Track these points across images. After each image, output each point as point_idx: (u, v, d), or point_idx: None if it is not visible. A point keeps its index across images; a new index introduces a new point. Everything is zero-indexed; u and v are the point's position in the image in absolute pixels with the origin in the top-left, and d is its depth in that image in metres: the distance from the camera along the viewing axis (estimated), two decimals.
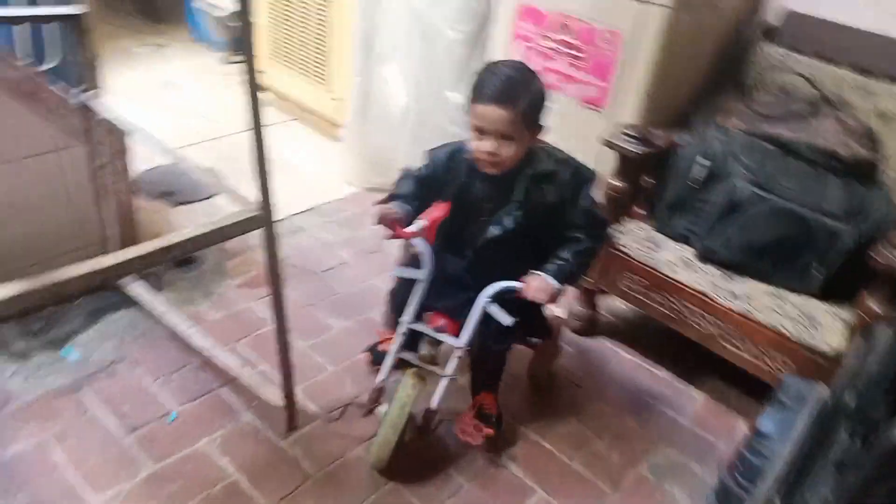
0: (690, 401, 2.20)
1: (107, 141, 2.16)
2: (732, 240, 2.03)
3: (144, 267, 1.50)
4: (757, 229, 1.99)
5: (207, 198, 2.86)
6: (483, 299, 1.66)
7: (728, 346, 2.05)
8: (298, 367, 1.89)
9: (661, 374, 2.30)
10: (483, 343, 1.74)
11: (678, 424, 2.10)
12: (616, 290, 2.26)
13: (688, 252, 2.13)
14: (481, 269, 1.73)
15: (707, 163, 2.07)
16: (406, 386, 1.71)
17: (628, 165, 2.15)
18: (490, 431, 1.83)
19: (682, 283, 2.08)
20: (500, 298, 1.67)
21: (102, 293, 2.26)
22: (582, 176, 1.70)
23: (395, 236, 1.64)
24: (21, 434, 1.75)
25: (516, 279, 1.67)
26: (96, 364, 2.00)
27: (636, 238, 2.20)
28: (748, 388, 2.19)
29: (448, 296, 1.75)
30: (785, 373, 1.89)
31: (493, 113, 1.54)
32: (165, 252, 1.48)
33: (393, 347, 1.75)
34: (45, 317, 2.13)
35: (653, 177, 2.25)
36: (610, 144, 2.13)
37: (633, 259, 2.17)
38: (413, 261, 1.77)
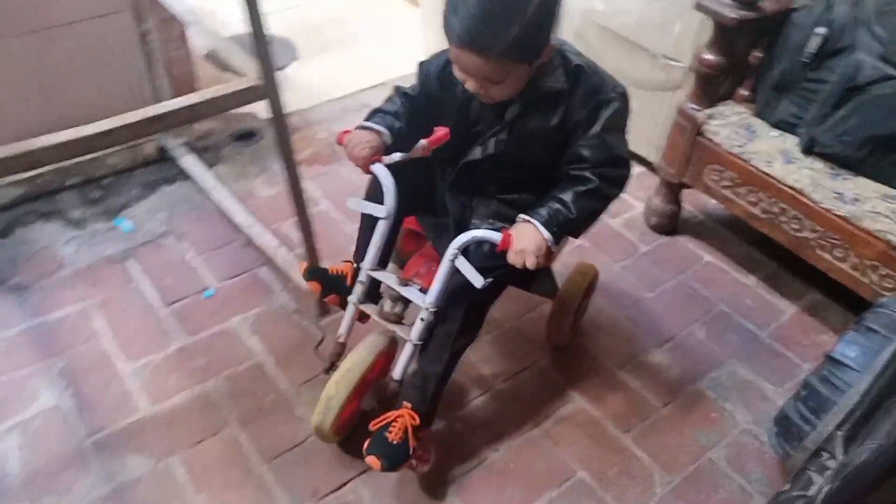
0: (776, 315, 1.92)
1: (156, 8, 2.07)
2: (847, 128, 1.66)
3: (168, 126, 1.43)
4: (880, 117, 1.61)
5: (280, 68, 2.76)
6: (450, 251, 1.28)
7: (826, 255, 1.73)
8: (339, 250, 1.80)
9: (748, 281, 2.01)
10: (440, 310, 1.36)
11: (757, 340, 1.85)
12: (701, 184, 1.96)
13: (790, 142, 1.78)
14: (459, 204, 1.43)
15: (824, 31, 1.67)
16: (364, 345, 1.42)
17: (725, 35, 1.79)
18: (373, 461, 1.33)
19: (778, 180, 1.76)
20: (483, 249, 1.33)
21: (160, 165, 2.26)
22: (602, 95, 1.29)
23: (364, 167, 1.33)
24: (68, 299, 1.80)
25: (505, 223, 1.33)
26: (146, 235, 2.01)
27: (729, 124, 1.86)
28: (850, 305, 1.88)
29: (444, 234, 1.44)
30: (888, 295, 1.57)
31: (467, 59, 1.18)
32: (150, 123, 1.37)
33: (352, 297, 1.43)
34: (104, 186, 2.16)
35: (762, 51, 1.87)
36: (702, 8, 1.77)
37: (723, 149, 1.85)
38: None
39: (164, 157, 2.28)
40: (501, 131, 1.33)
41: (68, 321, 1.75)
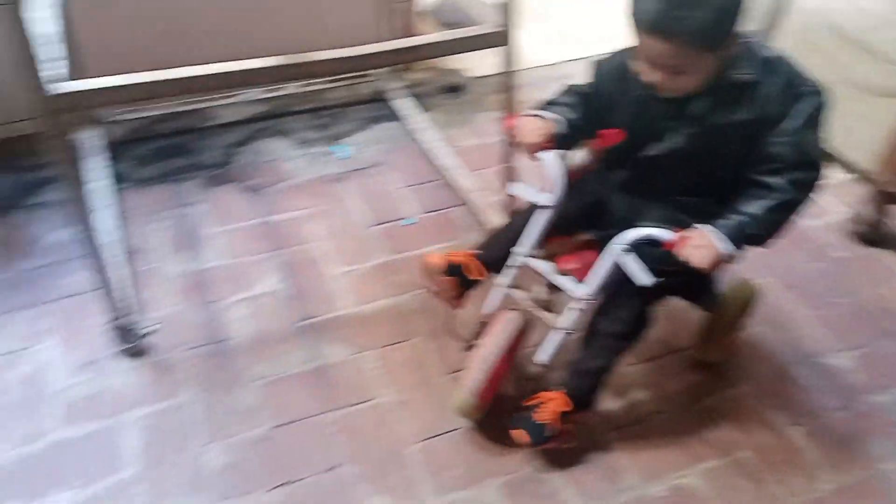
0: None
1: None
2: None
3: (388, 63, 1.60)
4: None
5: None
6: (617, 246, 1.26)
7: None
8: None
9: None
10: (604, 305, 1.38)
11: None
12: None
13: None
14: (630, 206, 1.37)
15: None
16: (503, 324, 1.44)
17: None
18: (519, 434, 1.40)
19: None
20: (651, 250, 1.26)
21: (377, 105, 2.47)
22: (799, 90, 1.20)
23: (532, 153, 1.32)
24: (290, 205, 2.06)
25: (677, 224, 1.26)
26: (360, 162, 2.23)
27: None
28: None
29: (603, 225, 1.39)
30: None
31: (654, 46, 1.15)
32: (400, 53, 1.54)
33: (502, 280, 1.45)
34: (329, 116, 2.41)
35: None
36: None
37: None
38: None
39: (378, 98, 2.50)
40: (683, 126, 1.27)
41: (291, 223, 2.00)
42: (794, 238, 2.02)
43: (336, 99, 2.48)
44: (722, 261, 1.20)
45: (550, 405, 1.40)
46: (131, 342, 1.62)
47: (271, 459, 1.46)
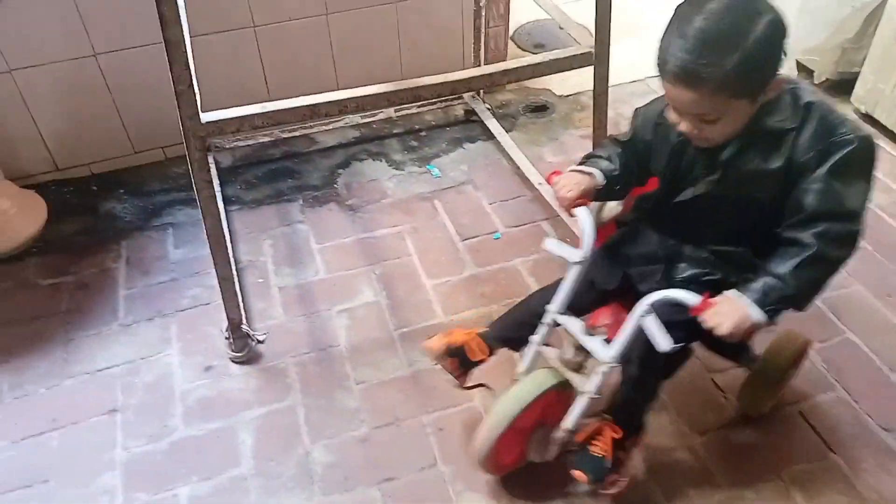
0: None
1: None
2: None
3: (487, 85, 1.69)
4: None
5: None
6: (640, 308, 1.19)
7: None
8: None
9: None
10: (632, 364, 1.32)
11: None
12: None
13: None
14: (669, 248, 1.33)
15: None
16: (531, 379, 1.36)
17: None
18: (579, 475, 1.35)
19: None
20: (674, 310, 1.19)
21: (465, 126, 2.58)
22: (836, 136, 1.12)
23: (568, 208, 1.31)
24: (387, 222, 2.18)
25: (716, 274, 1.25)
26: (450, 181, 2.33)
27: None
28: None
29: (651, 280, 1.34)
30: None
31: (680, 94, 1.10)
32: (504, 75, 1.63)
33: (535, 338, 1.38)
34: (420, 138, 2.53)
35: None
36: None
37: None
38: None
39: (469, 119, 2.60)
40: (715, 171, 1.21)
41: (386, 239, 2.12)
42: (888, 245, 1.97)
43: (428, 121, 2.60)
44: (752, 329, 1.13)
45: (603, 436, 1.35)
46: (241, 350, 1.76)
47: (371, 458, 1.55)
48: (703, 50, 1.04)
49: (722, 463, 1.52)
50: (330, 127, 2.54)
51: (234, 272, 1.94)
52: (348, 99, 1.50)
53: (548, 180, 1.34)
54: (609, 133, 1.64)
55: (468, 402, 1.65)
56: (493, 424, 1.33)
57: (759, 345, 1.50)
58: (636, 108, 1.37)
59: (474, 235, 2.12)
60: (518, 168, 2.32)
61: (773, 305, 1.12)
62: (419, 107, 2.61)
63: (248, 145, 2.47)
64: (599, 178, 1.32)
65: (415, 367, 1.74)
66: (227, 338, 1.76)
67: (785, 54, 1.09)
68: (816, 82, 2.60)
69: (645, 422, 1.43)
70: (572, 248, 1.30)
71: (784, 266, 1.13)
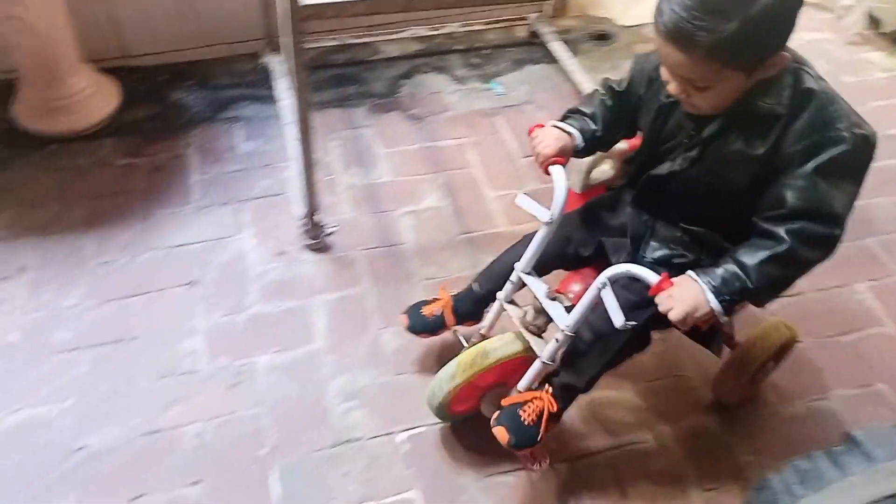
0: None
1: None
2: None
3: None
4: None
5: None
6: (600, 279, 1.11)
7: None
8: None
9: None
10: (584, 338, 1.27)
11: None
12: None
13: None
14: (641, 222, 1.28)
15: None
16: (502, 342, 1.35)
17: None
18: (501, 433, 1.27)
19: None
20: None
21: (528, 48, 2.60)
22: (830, 131, 1.03)
23: (543, 166, 1.25)
24: (448, 133, 2.23)
25: (687, 254, 1.22)
26: (512, 99, 2.38)
27: None
28: None
29: (621, 253, 1.30)
30: None
31: (670, 54, 1.01)
32: None
33: (500, 295, 1.35)
34: (484, 56, 2.56)
35: None
36: None
37: None
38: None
39: (531, 41, 2.62)
40: (694, 148, 1.15)
41: (449, 150, 2.18)
42: None
43: (491, 40, 2.62)
44: (705, 318, 1.05)
45: (535, 404, 1.28)
46: (316, 238, 1.85)
47: (436, 348, 1.65)
48: (702, 9, 0.94)
49: (688, 452, 1.51)
50: (394, 37, 2.56)
51: (306, 167, 2.02)
52: None
53: (529, 132, 1.28)
54: None
55: None
56: (452, 375, 1.35)
57: (745, 330, 1.48)
58: (636, 55, 1.29)
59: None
60: (580, 91, 2.35)
61: (730, 296, 1.05)
62: (485, 24, 2.62)
63: (314, 47, 2.50)
64: (578, 140, 1.25)
65: (478, 268, 1.82)
66: (302, 225, 1.84)
67: (793, 29, 0.99)
68: (883, 31, 2.60)
69: (569, 403, 1.35)
70: (543, 208, 1.24)
71: (752, 258, 1.06)
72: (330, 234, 1.87)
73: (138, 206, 1.96)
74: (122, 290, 1.75)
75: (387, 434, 1.50)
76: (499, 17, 2.63)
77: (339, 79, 2.43)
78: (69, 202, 1.95)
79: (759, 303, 1.14)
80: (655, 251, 1.26)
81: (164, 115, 2.25)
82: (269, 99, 2.30)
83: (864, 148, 1.04)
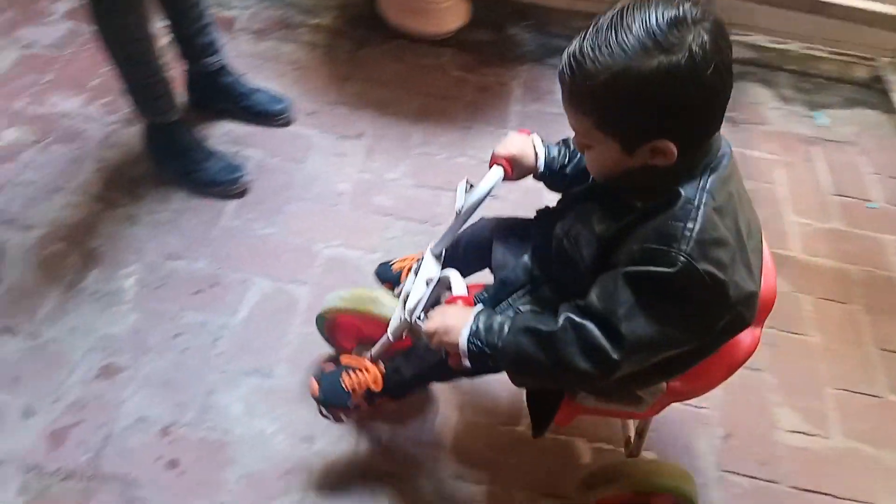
0: None
1: None
2: None
3: None
4: None
5: None
6: (430, 272, 1.15)
7: None
8: None
9: None
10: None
11: None
12: None
13: None
14: (525, 268, 1.13)
15: None
16: (390, 299, 1.33)
17: None
18: (313, 386, 1.34)
19: None
20: None
21: (865, 89, 2.47)
22: (667, 246, 0.84)
23: (491, 161, 1.14)
24: (761, 146, 2.19)
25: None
26: (834, 135, 2.28)
27: None
28: None
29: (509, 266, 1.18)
30: None
31: (563, 101, 0.89)
32: None
33: (414, 265, 1.24)
34: (813, 83, 2.47)
35: None
36: None
37: None
38: None
39: (872, 84, 2.48)
40: (566, 207, 1.06)
41: (757, 161, 2.15)
42: None
43: (826, 70, 2.51)
44: (450, 348, 0.98)
45: (361, 376, 1.30)
46: None
47: None
48: (581, 53, 0.82)
49: None
50: (733, 38, 2.53)
51: None
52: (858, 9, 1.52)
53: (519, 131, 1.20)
54: None
55: (806, 335, 1.71)
56: (342, 297, 1.37)
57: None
58: None
59: (847, 195, 2.08)
60: None
61: (480, 343, 0.95)
62: (826, 52, 2.52)
63: None
64: (539, 164, 1.13)
65: None
66: None
67: (689, 123, 0.83)
68: None
69: (404, 395, 1.37)
70: (460, 198, 1.13)
71: (522, 322, 0.95)
72: None
73: (462, 115, 2.14)
74: (436, 180, 1.95)
75: None
76: (843, 51, 2.51)
77: None
78: (407, 92, 2.18)
79: (498, 369, 1.00)
80: (522, 305, 1.10)
81: (500, 44, 2.42)
82: None
83: (687, 283, 0.84)
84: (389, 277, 1.52)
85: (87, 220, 1.74)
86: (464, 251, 1.27)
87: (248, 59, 2.18)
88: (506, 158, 1.12)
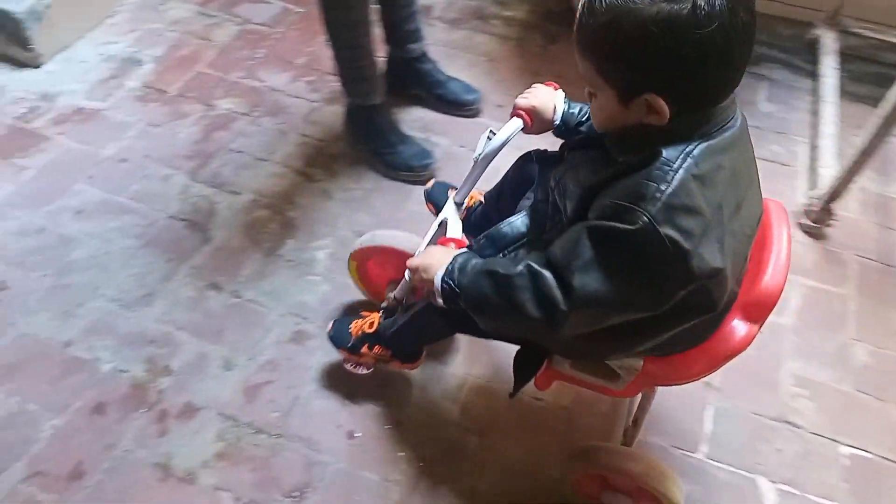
0: None
1: None
2: None
3: None
4: None
5: None
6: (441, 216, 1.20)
7: None
8: None
9: None
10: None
11: None
12: None
13: None
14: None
15: None
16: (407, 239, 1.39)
17: None
18: (329, 326, 1.45)
19: None
20: None
21: None
22: (633, 202, 0.82)
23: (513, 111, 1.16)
24: None
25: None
26: None
27: None
28: None
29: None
30: None
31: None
32: None
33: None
34: None
35: None
36: None
37: None
38: None
39: None
40: (562, 156, 1.08)
41: None
42: None
43: None
44: (426, 284, 1.02)
45: (364, 322, 1.40)
46: (817, 223, 1.78)
47: None
48: (596, 9, 0.82)
49: None
50: None
51: (832, 146, 1.94)
52: None
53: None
54: None
55: None
56: (374, 237, 1.43)
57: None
58: None
59: None
60: None
61: (451, 283, 0.97)
62: None
63: (860, 35, 2.32)
64: (557, 118, 1.15)
65: None
66: (808, 205, 1.79)
67: (671, 73, 0.80)
68: None
69: (398, 346, 1.38)
70: (486, 145, 1.16)
71: (490, 262, 0.97)
72: (830, 224, 1.79)
73: None
74: None
75: (831, 439, 1.45)
76: None
77: (881, 77, 2.24)
78: None
79: (469, 310, 0.98)
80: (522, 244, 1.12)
81: None
82: (802, 71, 2.23)
83: (652, 242, 0.81)
84: (434, 199, 1.58)
85: (287, 191, 1.84)
86: (511, 194, 1.31)
87: (442, 48, 2.22)
88: (526, 110, 1.14)
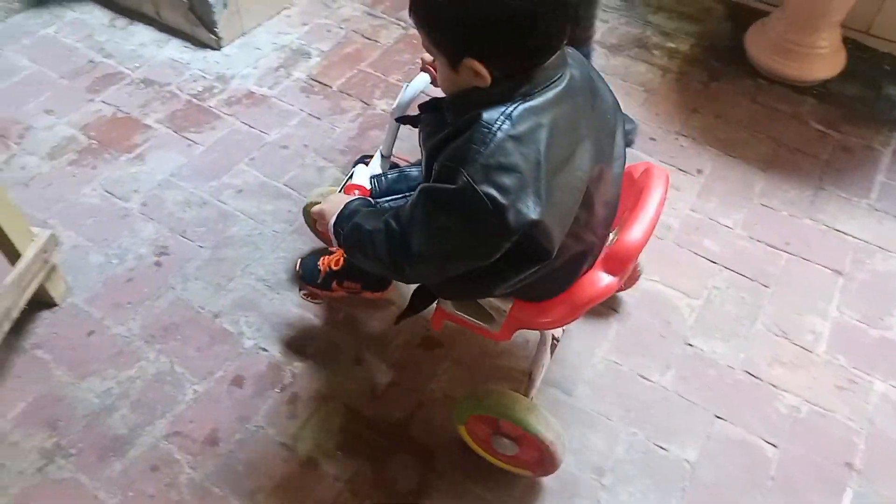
0: None
1: None
2: None
3: None
4: None
5: None
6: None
7: None
8: None
9: None
10: None
11: None
12: None
13: None
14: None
15: None
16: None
17: None
18: (298, 266, 1.63)
19: None
20: None
21: None
22: (455, 165, 0.89)
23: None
24: None
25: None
26: None
27: None
28: None
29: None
30: None
31: None
32: None
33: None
34: None
35: None
36: None
37: None
38: None
39: None
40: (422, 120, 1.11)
41: None
42: None
43: None
44: (324, 227, 1.14)
45: (331, 258, 1.54)
46: None
47: None
48: None
49: None
50: None
51: None
52: None
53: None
54: None
55: None
56: (314, 195, 1.58)
57: None
58: None
59: None
60: None
61: (342, 227, 1.09)
62: None
63: None
64: None
65: None
66: None
67: (481, 37, 0.87)
68: None
69: (360, 274, 1.53)
70: (405, 97, 1.33)
71: (363, 216, 1.07)
72: None
73: (815, 173, 1.96)
74: (773, 237, 1.80)
75: None
76: None
77: None
78: (756, 136, 2.04)
79: (346, 254, 1.14)
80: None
81: (872, 103, 2.17)
82: None
83: (466, 202, 0.89)
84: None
85: None
86: None
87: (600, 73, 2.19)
88: (432, 65, 1.21)
